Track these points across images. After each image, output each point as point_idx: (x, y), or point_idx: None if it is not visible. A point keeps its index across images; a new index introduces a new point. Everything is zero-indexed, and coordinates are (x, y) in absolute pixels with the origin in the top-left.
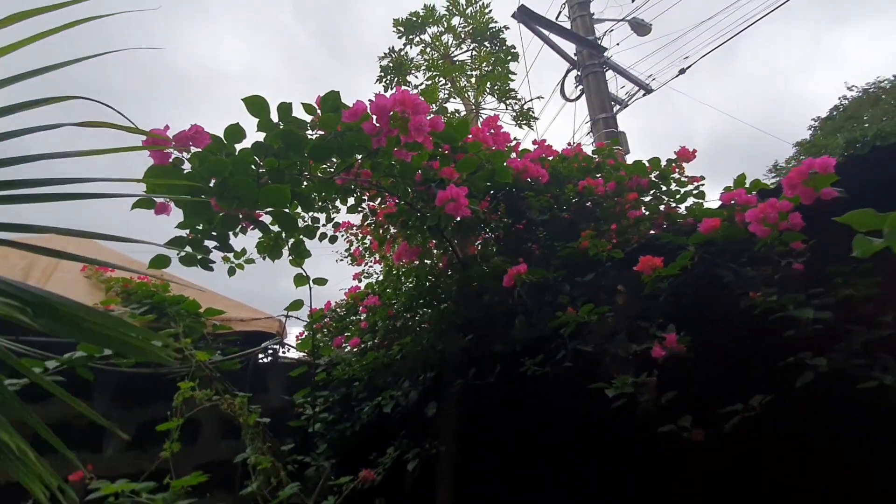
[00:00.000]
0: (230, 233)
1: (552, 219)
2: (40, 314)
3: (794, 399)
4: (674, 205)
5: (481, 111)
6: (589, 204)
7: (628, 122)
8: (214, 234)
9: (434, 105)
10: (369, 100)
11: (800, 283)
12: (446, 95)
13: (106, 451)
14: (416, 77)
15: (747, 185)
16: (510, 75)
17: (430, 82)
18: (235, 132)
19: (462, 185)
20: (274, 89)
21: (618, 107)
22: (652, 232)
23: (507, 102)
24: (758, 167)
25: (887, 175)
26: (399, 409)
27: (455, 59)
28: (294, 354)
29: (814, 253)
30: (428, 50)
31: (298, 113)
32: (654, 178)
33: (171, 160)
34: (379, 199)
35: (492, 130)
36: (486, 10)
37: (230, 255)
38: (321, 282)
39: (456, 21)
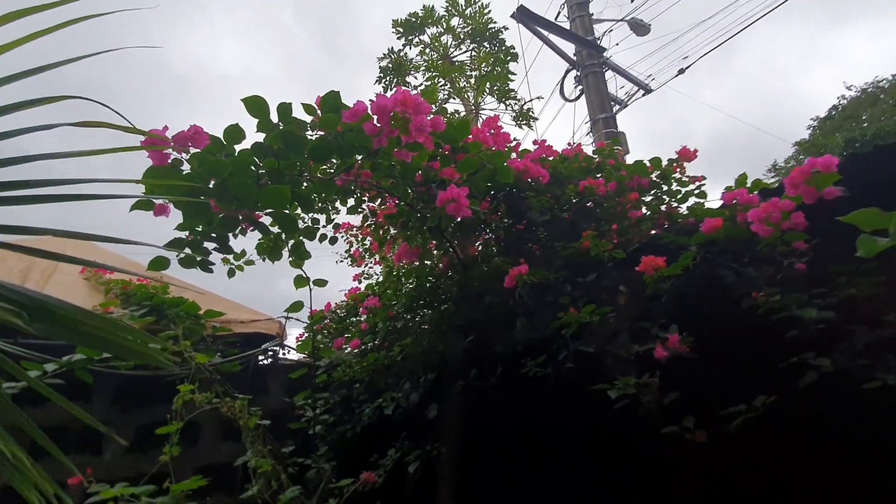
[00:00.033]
0: (230, 234)
1: (553, 219)
2: (36, 318)
3: (795, 399)
4: (675, 205)
5: (481, 112)
6: (590, 204)
7: (628, 123)
8: (214, 235)
9: (434, 106)
10: (370, 100)
11: (802, 283)
12: (446, 96)
13: (105, 454)
14: (416, 78)
15: (749, 185)
16: (510, 76)
17: (429, 83)
18: (235, 133)
19: (463, 185)
20: (273, 90)
21: (617, 107)
22: (653, 232)
23: (507, 103)
24: (757, 167)
25: (888, 174)
26: (400, 411)
27: (454, 59)
28: (294, 356)
29: (815, 252)
30: (427, 51)
31: (298, 113)
32: (655, 178)
33: (170, 161)
34: (379, 199)
35: (492, 131)
36: (486, 11)
37: (230, 257)
38: (321, 283)
39: (455, 21)
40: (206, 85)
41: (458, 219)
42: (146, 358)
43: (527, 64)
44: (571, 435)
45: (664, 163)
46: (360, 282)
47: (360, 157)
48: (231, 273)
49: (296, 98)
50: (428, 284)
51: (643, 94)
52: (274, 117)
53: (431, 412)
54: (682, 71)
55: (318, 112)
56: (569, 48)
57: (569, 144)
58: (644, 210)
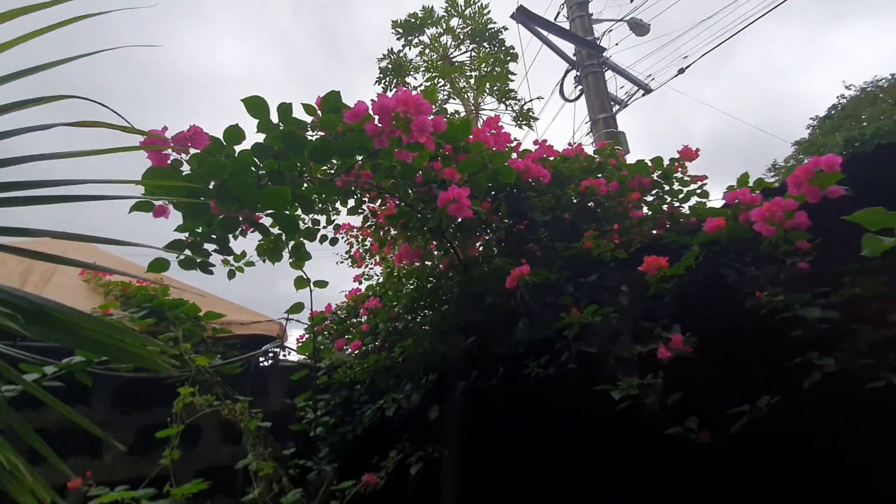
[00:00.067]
0: (230, 235)
1: (554, 219)
2: (33, 321)
3: (797, 399)
4: (677, 204)
5: (481, 112)
6: (591, 204)
7: (628, 122)
8: (214, 236)
9: (434, 106)
10: (371, 100)
11: (805, 283)
12: (445, 97)
13: (106, 457)
14: (416, 78)
15: (751, 185)
16: (510, 76)
17: (429, 83)
18: (235, 133)
19: (464, 185)
20: (272, 91)
21: (617, 107)
22: (655, 232)
23: (507, 103)
24: (757, 166)
25: (890, 173)
26: (401, 412)
27: (454, 60)
28: (295, 357)
29: (818, 252)
30: (427, 51)
31: (298, 114)
32: (656, 178)
33: (169, 162)
34: (379, 200)
35: (493, 131)
36: (485, 11)
37: (230, 259)
38: (322, 284)
39: (455, 22)
40: (205, 87)
41: (459, 219)
42: (144, 361)
43: (526, 64)
44: (572, 435)
45: (666, 162)
46: (360, 283)
47: (360, 158)
48: (231, 274)
49: (295, 99)
50: (429, 285)
51: (643, 94)
52: (274, 118)
53: (433, 413)
54: (681, 71)
55: (319, 112)
56: (568, 48)
57: (569, 144)
58: (645, 210)
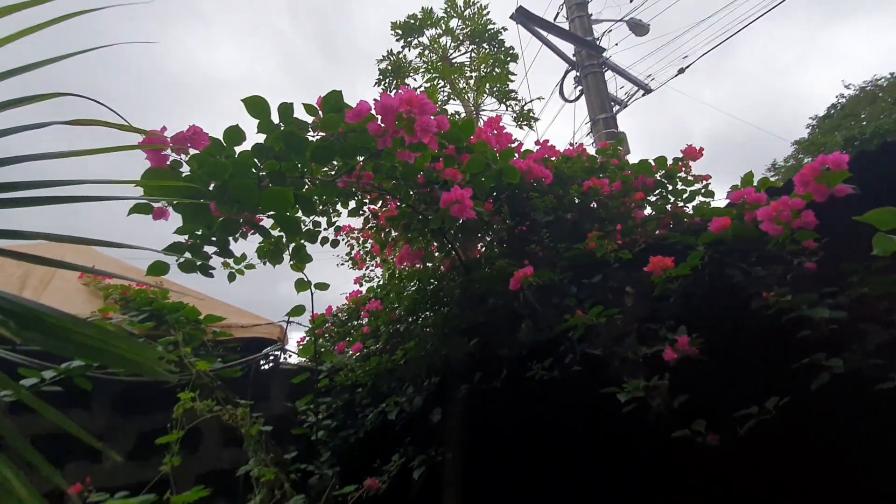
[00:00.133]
0: (230, 238)
1: (556, 220)
2: (25, 326)
3: (802, 400)
4: (681, 204)
5: (481, 112)
6: (593, 205)
7: (628, 123)
8: (214, 239)
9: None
10: (374, 99)
11: (812, 283)
12: (445, 97)
13: (106, 462)
14: (415, 79)
15: (755, 184)
16: (510, 76)
17: (428, 85)
18: (235, 134)
19: (466, 186)
20: (271, 93)
21: (617, 107)
22: (658, 232)
23: (507, 103)
24: (756, 166)
25: (894, 171)
26: (403, 415)
27: (454, 61)
28: (295, 360)
29: (825, 251)
30: (426, 52)
31: (299, 114)
32: (659, 178)
33: (168, 163)
34: (380, 201)
35: (494, 131)
36: (484, 12)
37: (230, 261)
38: (323, 287)
39: (454, 23)
40: (204, 88)
41: (461, 220)
42: (141, 368)
43: (526, 65)
44: (576, 437)
45: (669, 162)
46: (361, 285)
47: (361, 159)
48: (231, 277)
49: (293, 101)
50: (430, 287)
51: (643, 94)
52: (274, 118)
53: (435, 416)
54: (681, 70)
55: (320, 113)
56: (568, 49)
57: (570, 145)
58: (649, 210)
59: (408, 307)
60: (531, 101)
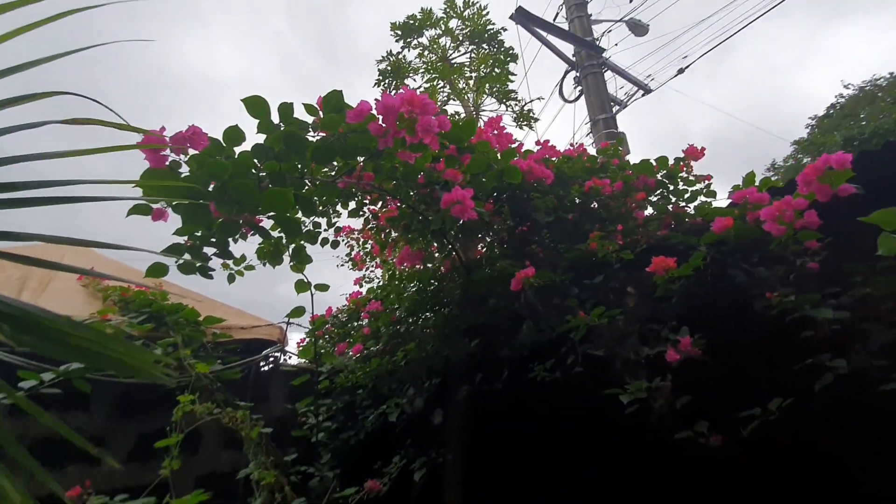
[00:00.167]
0: (230, 239)
1: (557, 220)
2: (20, 329)
3: (805, 401)
4: (682, 204)
5: (481, 113)
6: (594, 205)
7: (627, 123)
8: (213, 240)
9: None
10: (376, 99)
11: (815, 283)
12: (445, 98)
13: (105, 464)
14: (415, 80)
15: (757, 184)
16: (510, 76)
17: (428, 85)
18: (235, 134)
19: (467, 186)
20: (270, 94)
21: (617, 107)
22: (660, 232)
23: (507, 104)
24: (756, 166)
25: None
26: (404, 417)
27: (453, 61)
28: (295, 362)
29: (828, 251)
30: (426, 53)
31: (299, 114)
32: (661, 178)
33: (167, 163)
34: (380, 202)
35: (495, 132)
36: (484, 13)
37: (230, 262)
38: (323, 288)
39: (453, 23)
40: (202, 90)
41: (462, 221)
42: (141, 373)
43: (526, 65)
44: (578, 439)
45: (671, 162)
46: (361, 286)
47: (361, 159)
48: (231, 278)
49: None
50: (430, 288)
51: (643, 95)
52: (274, 118)
53: (436, 418)
54: (681, 71)
55: (320, 113)
56: (568, 49)
57: (570, 145)
58: (650, 210)
59: (408, 308)
60: (531, 101)
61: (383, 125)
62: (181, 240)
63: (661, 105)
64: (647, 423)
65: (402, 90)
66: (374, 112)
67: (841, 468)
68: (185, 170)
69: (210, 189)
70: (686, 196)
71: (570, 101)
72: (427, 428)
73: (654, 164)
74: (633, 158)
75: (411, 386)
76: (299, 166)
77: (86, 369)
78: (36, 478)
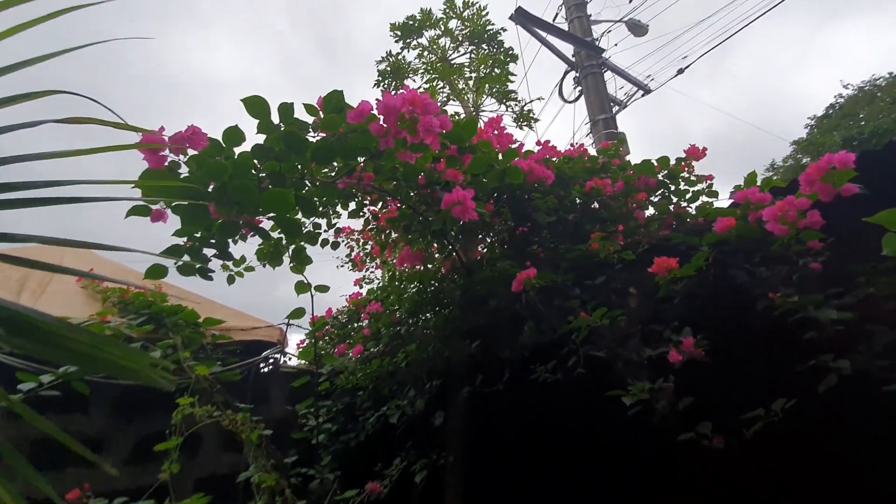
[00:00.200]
0: (229, 240)
1: (558, 221)
2: (15, 332)
3: (806, 402)
4: (684, 205)
5: (481, 113)
6: (595, 205)
7: (627, 123)
8: (213, 241)
9: None
10: (377, 99)
11: (817, 283)
12: (445, 98)
13: (104, 466)
14: (414, 81)
15: (759, 184)
16: (509, 77)
17: (428, 86)
18: (234, 134)
19: (467, 187)
20: (270, 95)
21: (617, 107)
22: (661, 233)
23: (507, 104)
24: (755, 166)
25: None
26: (405, 419)
27: (453, 61)
28: (295, 363)
29: (830, 251)
30: (425, 53)
31: (299, 114)
32: (662, 178)
33: (166, 163)
34: (380, 203)
35: (495, 132)
36: (483, 13)
37: (229, 264)
38: (323, 289)
39: (453, 24)
40: (202, 90)
41: (462, 221)
42: (140, 377)
43: (525, 65)
44: (579, 440)
45: (672, 162)
46: (361, 287)
47: (362, 160)
48: (231, 280)
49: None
50: (431, 289)
51: (642, 95)
52: (274, 118)
53: (437, 419)
54: (681, 71)
55: (320, 113)
56: (567, 49)
57: (571, 146)
58: (651, 210)
59: (409, 309)
60: (531, 101)
61: (384, 125)
62: (181, 241)
63: (661, 105)
64: (649, 424)
65: (402, 90)
66: (374, 112)
67: (843, 469)
68: (184, 170)
69: (209, 190)
70: (687, 196)
71: (570, 102)
72: (428, 429)
73: (656, 164)
74: (633, 159)
75: (412, 387)
76: (299, 167)
77: (85, 371)
78: (36, 480)
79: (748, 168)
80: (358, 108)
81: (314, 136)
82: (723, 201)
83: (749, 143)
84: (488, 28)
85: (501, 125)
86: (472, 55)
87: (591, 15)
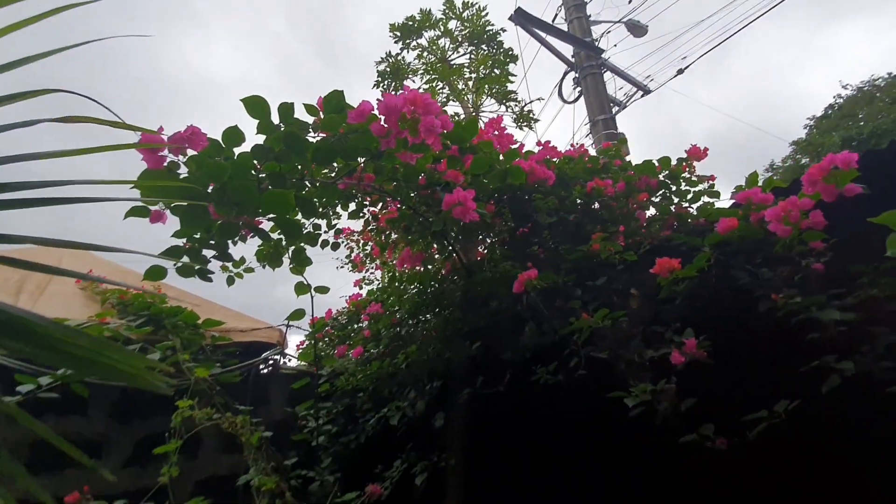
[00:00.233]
0: (229, 241)
1: (559, 221)
2: (9, 336)
3: (809, 404)
4: (685, 205)
5: (481, 113)
6: (596, 206)
7: (626, 123)
8: (212, 242)
9: None
10: (377, 99)
11: (820, 284)
12: (445, 99)
13: (104, 468)
14: (414, 81)
15: (761, 184)
16: (509, 77)
17: (427, 86)
18: (234, 135)
19: (468, 187)
20: (269, 96)
21: (616, 108)
22: (663, 233)
23: (507, 104)
24: (754, 166)
25: None
26: (405, 420)
27: (452, 62)
28: (295, 364)
29: (833, 252)
30: (425, 54)
31: (299, 114)
32: (663, 179)
33: (165, 164)
34: (380, 203)
35: (496, 132)
36: (483, 14)
37: (229, 265)
38: (323, 290)
39: (453, 25)
40: (201, 90)
41: (463, 222)
42: (138, 381)
43: (525, 66)
44: (581, 441)
45: (673, 162)
46: (361, 288)
47: (362, 160)
48: (230, 281)
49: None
50: (431, 290)
51: (642, 95)
52: (274, 118)
53: (438, 421)
54: (680, 71)
55: (321, 113)
56: (567, 50)
57: (571, 146)
58: (652, 211)
59: (409, 310)
60: (531, 102)
61: (385, 125)
62: (180, 242)
63: (661, 106)
64: (651, 426)
65: (402, 91)
66: (375, 112)
67: (847, 470)
68: (183, 171)
69: (209, 190)
70: (689, 196)
71: (570, 102)
72: (428, 431)
73: (657, 164)
74: (633, 159)
75: (412, 389)
76: (299, 167)
77: (82, 374)
78: (34, 483)
79: (747, 168)
80: (359, 108)
81: (314, 137)
82: (724, 202)
83: (748, 144)
84: (488, 29)
85: (502, 126)
86: (472, 56)
87: (590, 15)
